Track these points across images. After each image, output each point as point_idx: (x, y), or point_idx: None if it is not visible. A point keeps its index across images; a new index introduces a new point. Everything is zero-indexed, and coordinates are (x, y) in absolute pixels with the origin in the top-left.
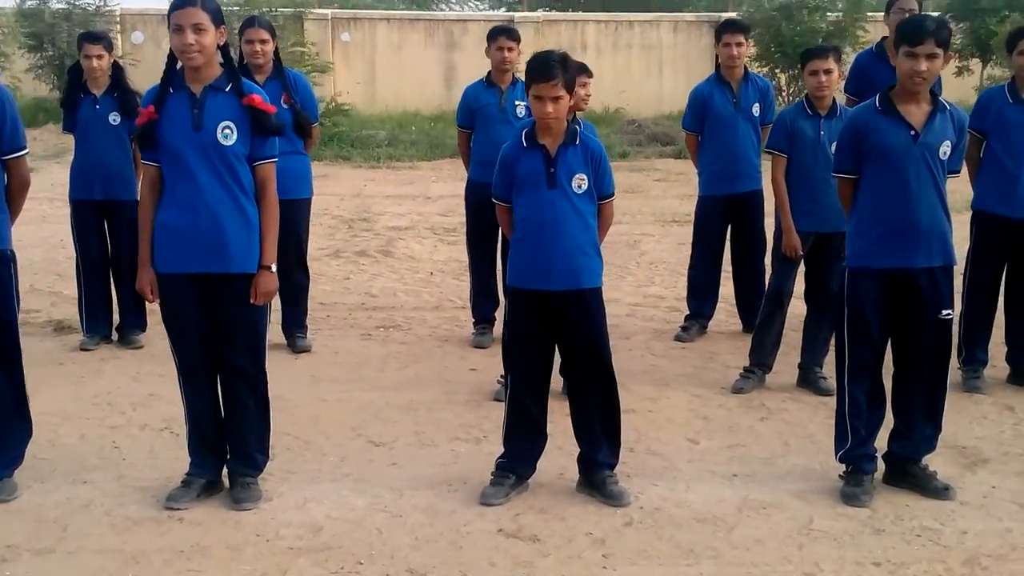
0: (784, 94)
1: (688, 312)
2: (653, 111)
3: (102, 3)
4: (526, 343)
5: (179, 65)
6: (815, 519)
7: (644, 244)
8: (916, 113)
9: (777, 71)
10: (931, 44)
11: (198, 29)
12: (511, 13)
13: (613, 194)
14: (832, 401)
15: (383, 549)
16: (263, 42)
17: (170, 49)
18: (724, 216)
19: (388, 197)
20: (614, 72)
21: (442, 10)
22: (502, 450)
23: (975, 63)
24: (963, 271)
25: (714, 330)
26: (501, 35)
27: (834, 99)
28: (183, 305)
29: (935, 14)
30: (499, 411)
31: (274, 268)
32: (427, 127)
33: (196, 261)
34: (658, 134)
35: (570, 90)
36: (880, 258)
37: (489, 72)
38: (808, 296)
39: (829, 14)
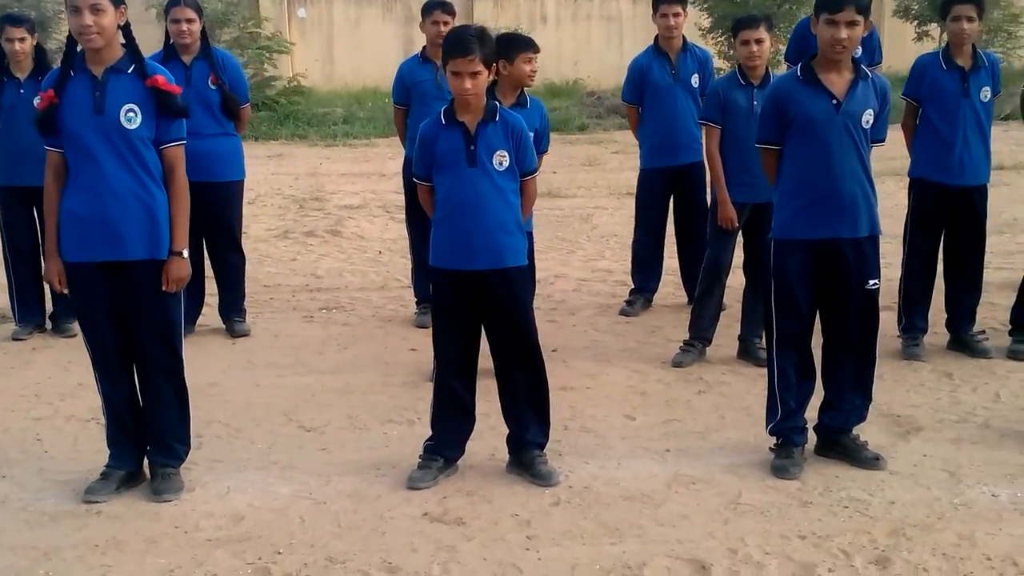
0: None
1: (633, 286)
2: (613, 83)
3: None
4: (451, 324)
5: (80, 47)
6: (744, 493)
7: (597, 218)
8: (838, 82)
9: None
10: (851, 11)
11: (96, 9)
12: None
13: (536, 170)
14: None
15: (304, 538)
16: (189, 21)
17: (69, 31)
18: (666, 188)
19: (343, 175)
20: (574, 44)
21: None
22: (431, 433)
23: (934, 29)
24: (902, 238)
25: (660, 303)
26: (436, 9)
27: (767, 69)
28: (93, 294)
29: None
30: None
31: (185, 254)
32: (384, 103)
33: (104, 249)
34: (617, 106)
35: (489, 65)
36: (805, 229)
37: (424, 47)
38: (746, 267)
39: None
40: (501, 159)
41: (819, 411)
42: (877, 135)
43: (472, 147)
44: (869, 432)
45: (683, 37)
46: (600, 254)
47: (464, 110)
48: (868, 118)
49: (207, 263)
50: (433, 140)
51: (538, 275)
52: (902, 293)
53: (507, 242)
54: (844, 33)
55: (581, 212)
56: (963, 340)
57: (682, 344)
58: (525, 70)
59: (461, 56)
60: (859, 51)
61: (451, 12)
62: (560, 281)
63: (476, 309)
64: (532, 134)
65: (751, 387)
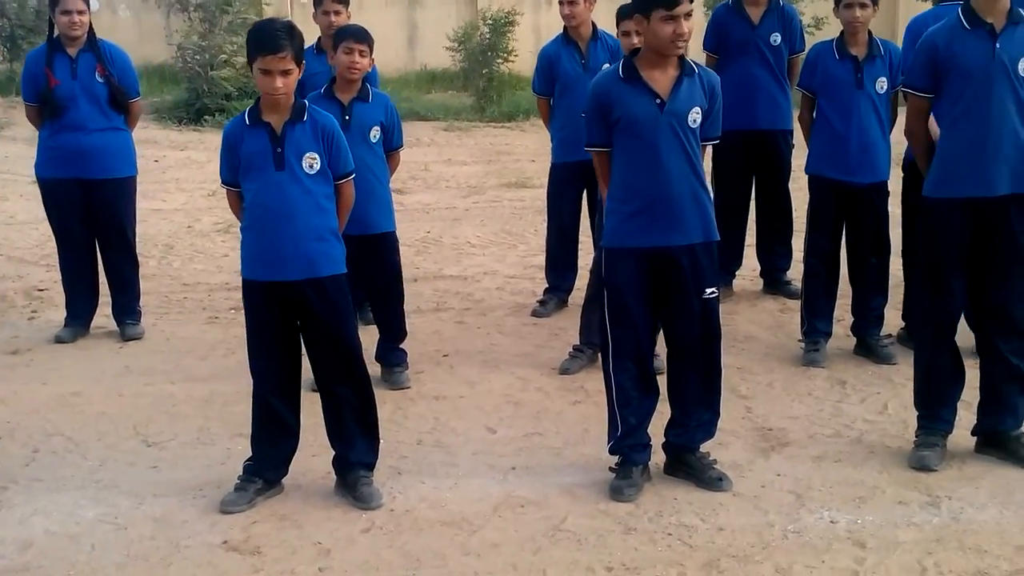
0: None
1: (547, 286)
2: None
3: None
4: (266, 339)
5: None
6: (570, 518)
7: None
8: (662, 79)
9: None
10: (687, 3)
11: None
12: None
13: (351, 173)
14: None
15: (86, 568)
16: (80, 13)
17: None
18: (575, 184)
19: None
20: None
21: None
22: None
23: None
24: (804, 238)
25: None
26: None
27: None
28: None
29: None
30: (308, 402)
31: None
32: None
33: None
34: None
35: (299, 62)
36: (635, 237)
37: (319, 38)
38: None
39: None
40: (311, 161)
41: (665, 429)
42: (708, 133)
43: (279, 149)
44: (732, 447)
45: (593, 24)
46: (541, 249)
47: (271, 110)
48: (695, 117)
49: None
50: (238, 142)
51: (469, 271)
52: (803, 296)
53: (320, 250)
54: (686, 27)
55: (540, 203)
56: (868, 345)
57: (571, 350)
58: (344, 61)
59: (272, 53)
60: (778, 38)
61: (344, 1)
62: (487, 279)
63: (292, 322)
64: (378, 128)
65: None
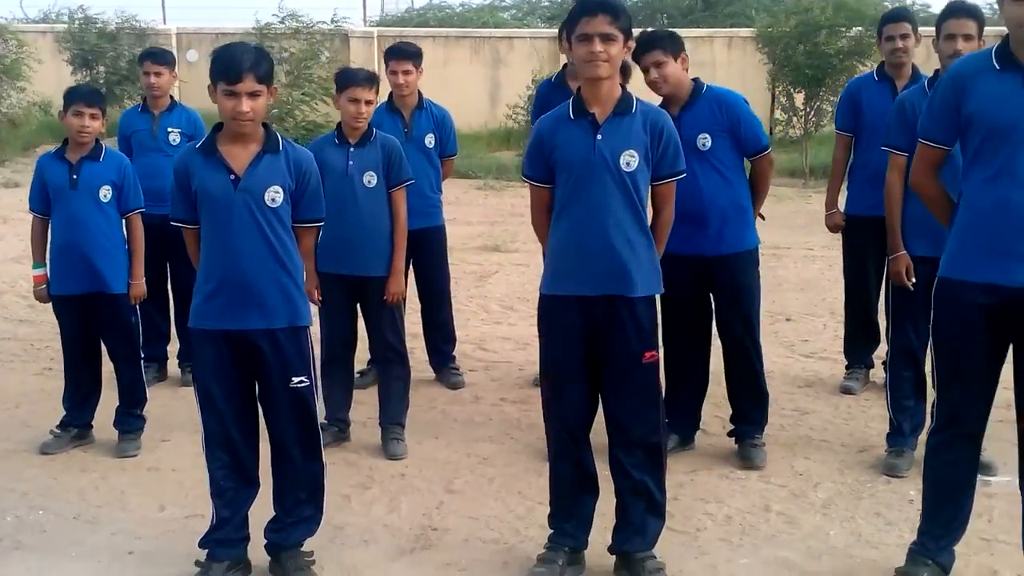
0: (801, 113)
1: None
2: None
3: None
4: None
5: None
6: None
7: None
8: (241, 155)
9: (792, 91)
10: (251, 81)
11: None
12: (552, 30)
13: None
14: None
15: None
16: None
17: None
18: None
19: None
20: None
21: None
22: None
23: None
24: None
25: None
26: (146, 60)
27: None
28: None
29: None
30: None
31: None
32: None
33: None
34: None
35: None
36: (212, 319)
37: (143, 98)
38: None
39: (844, 29)
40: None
41: (265, 527)
42: (304, 215)
43: None
44: (376, 544)
45: (419, 94)
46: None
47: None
48: (275, 196)
49: None
50: None
51: None
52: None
53: None
54: (246, 106)
55: (494, 268)
56: None
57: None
58: (74, 124)
59: None
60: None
61: (164, 61)
62: None
63: None
64: (108, 188)
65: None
